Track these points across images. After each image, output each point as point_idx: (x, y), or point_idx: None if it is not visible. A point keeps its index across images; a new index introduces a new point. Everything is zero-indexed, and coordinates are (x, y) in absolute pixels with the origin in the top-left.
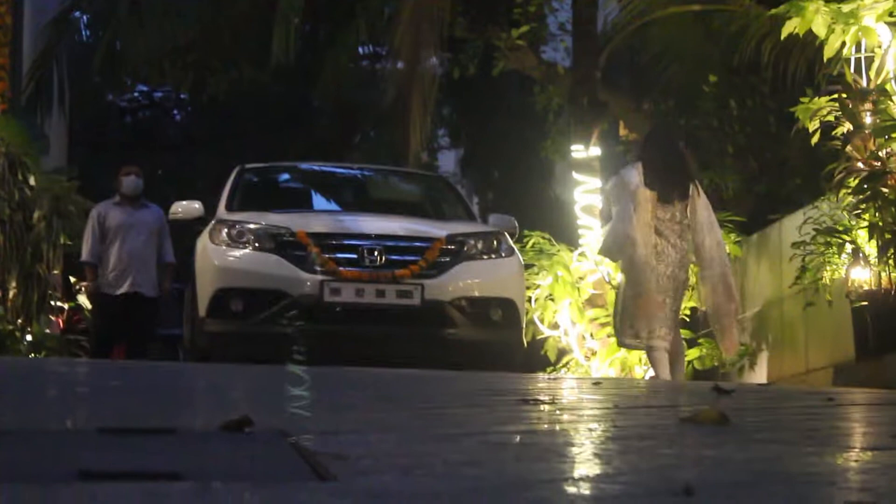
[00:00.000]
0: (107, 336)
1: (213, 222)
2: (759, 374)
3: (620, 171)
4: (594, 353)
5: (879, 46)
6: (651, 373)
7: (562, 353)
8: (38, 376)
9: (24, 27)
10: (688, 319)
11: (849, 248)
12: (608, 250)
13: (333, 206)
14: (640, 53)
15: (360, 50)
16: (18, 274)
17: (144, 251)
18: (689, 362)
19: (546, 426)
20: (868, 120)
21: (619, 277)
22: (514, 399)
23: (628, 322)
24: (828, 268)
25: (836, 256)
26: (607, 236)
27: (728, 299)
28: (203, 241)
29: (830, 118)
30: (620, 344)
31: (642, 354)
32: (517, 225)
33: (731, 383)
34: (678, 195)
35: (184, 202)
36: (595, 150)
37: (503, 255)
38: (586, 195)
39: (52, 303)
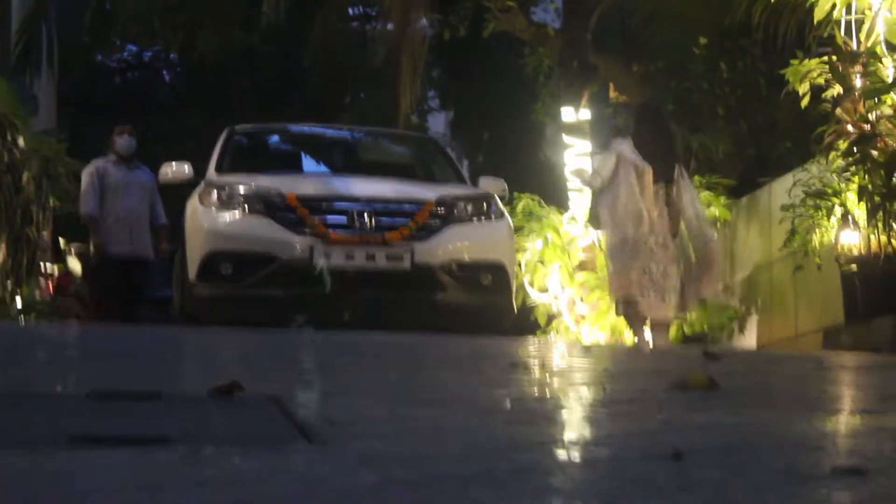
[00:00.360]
0: (105, 296)
1: (202, 184)
2: (749, 339)
3: (613, 143)
4: (584, 318)
5: (870, 8)
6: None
7: (551, 317)
8: (27, 340)
9: None
10: None
11: (838, 211)
12: (606, 222)
13: (323, 168)
14: (630, 15)
15: (350, 11)
16: (8, 237)
17: (141, 211)
18: (679, 327)
19: (536, 391)
20: (858, 82)
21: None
22: (504, 363)
23: (622, 294)
24: (817, 231)
25: (826, 219)
26: (608, 209)
27: (708, 269)
28: (193, 204)
29: (820, 81)
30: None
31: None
32: (507, 187)
33: (721, 348)
34: (667, 175)
35: (174, 164)
36: (585, 113)
37: (493, 218)
38: (576, 158)
39: (42, 265)
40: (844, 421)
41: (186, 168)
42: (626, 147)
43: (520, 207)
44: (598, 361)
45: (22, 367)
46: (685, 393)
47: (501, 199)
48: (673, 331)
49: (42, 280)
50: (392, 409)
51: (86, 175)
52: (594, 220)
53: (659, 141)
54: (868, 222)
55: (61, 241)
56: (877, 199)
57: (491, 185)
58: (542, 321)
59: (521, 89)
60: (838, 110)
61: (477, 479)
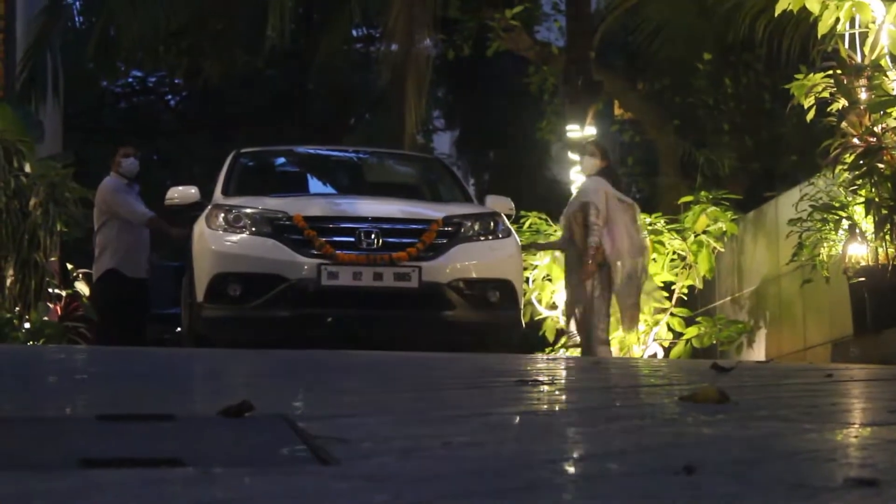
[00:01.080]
0: (121, 318)
1: (209, 207)
2: (758, 352)
3: (594, 182)
4: None
5: (873, 22)
6: (650, 351)
7: (560, 333)
8: (36, 364)
9: (17, 15)
10: (685, 298)
11: (845, 224)
12: (626, 255)
13: (330, 190)
14: (634, 33)
15: (354, 32)
16: (15, 262)
17: (147, 233)
18: (688, 341)
19: (545, 406)
20: (863, 95)
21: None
22: (513, 380)
23: (603, 325)
24: (825, 244)
25: (833, 233)
26: (623, 243)
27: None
28: (200, 226)
29: (825, 95)
30: (593, 351)
31: (641, 334)
32: (513, 206)
33: (730, 361)
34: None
35: (180, 187)
36: (590, 130)
37: (500, 236)
38: (582, 175)
39: (50, 290)
40: (855, 433)
41: (193, 191)
42: (606, 183)
43: (527, 225)
44: (607, 376)
45: (31, 391)
46: (696, 406)
47: (508, 217)
48: (681, 345)
49: (50, 304)
50: (402, 427)
51: (110, 190)
52: (623, 255)
53: (618, 175)
54: (875, 235)
55: (69, 265)
56: (884, 211)
57: (498, 203)
58: (550, 337)
59: (525, 108)
60: (844, 124)
61: (488, 497)
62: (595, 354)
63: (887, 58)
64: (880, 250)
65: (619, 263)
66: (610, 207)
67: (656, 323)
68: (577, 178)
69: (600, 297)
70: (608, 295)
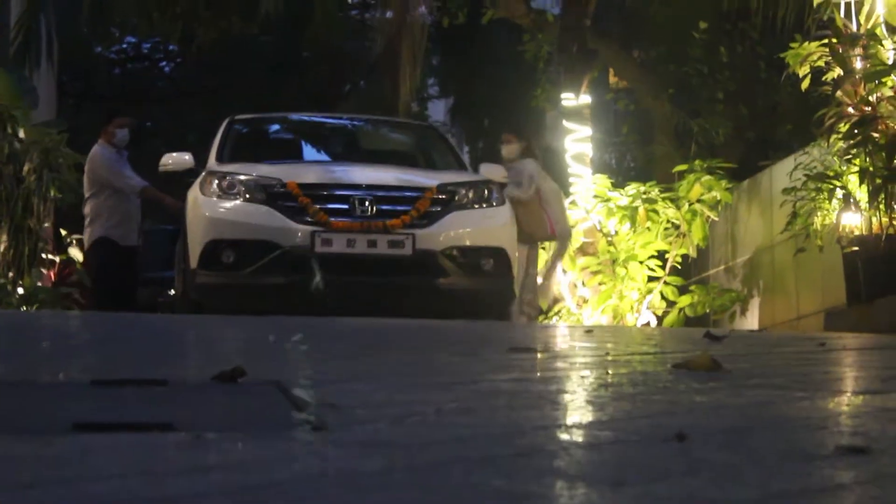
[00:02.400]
0: (114, 284)
1: (203, 174)
2: (751, 321)
3: (530, 164)
4: (586, 301)
5: None
6: (643, 320)
7: (553, 300)
8: (30, 329)
9: None
10: (679, 266)
11: (839, 193)
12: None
13: (324, 157)
14: (629, 1)
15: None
16: (9, 227)
17: (137, 201)
18: (681, 309)
19: (538, 374)
20: (858, 65)
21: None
22: (505, 347)
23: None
24: (818, 213)
25: (827, 202)
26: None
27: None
28: (194, 193)
29: (820, 64)
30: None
31: (634, 303)
32: (507, 173)
33: (723, 330)
34: None
35: (174, 154)
36: (585, 98)
37: (494, 204)
38: (577, 143)
39: (44, 256)
40: (847, 401)
41: (187, 157)
42: (535, 165)
43: None
44: (600, 344)
45: (25, 356)
46: (688, 374)
47: (502, 185)
48: (674, 314)
49: (44, 270)
50: (394, 393)
51: (105, 161)
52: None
53: None
54: (869, 204)
55: (62, 231)
56: (878, 181)
57: (492, 171)
58: (544, 305)
59: (520, 75)
60: (839, 93)
61: (480, 463)
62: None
63: (882, 26)
64: (874, 220)
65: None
66: (543, 189)
67: (650, 291)
68: (571, 147)
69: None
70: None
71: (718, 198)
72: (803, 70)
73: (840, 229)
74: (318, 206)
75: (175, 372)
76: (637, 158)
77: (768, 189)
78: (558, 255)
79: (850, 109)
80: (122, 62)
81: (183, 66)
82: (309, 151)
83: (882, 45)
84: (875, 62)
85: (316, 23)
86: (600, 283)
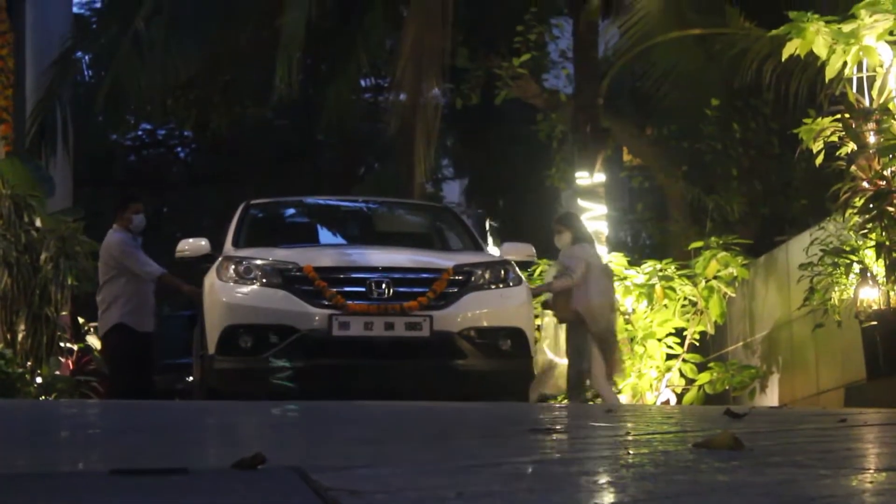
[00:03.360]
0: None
1: (220, 259)
2: (771, 397)
3: (582, 249)
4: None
5: (881, 65)
6: (662, 398)
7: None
8: (49, 418)
9: (27, 69)
10: (697, 343)
11: (856, 268)
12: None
13: (340, 240)
14: (641, 78)
15: (362, 82)
16: (27, 316)
17: (151, 285)
18: (700, 387)
19: (559, 455)
20: (872, 139)
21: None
22: (526, 429)
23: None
24: (836, 288)
25: (844, 277)
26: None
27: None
28: (211, 278)
29: (834, 139)
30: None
31: (653, 381)
32: (534, 251)
33: (743, 407)
34: None
35: (190, 240)
36: (600, 177)
37: (511, 284)
38: (592, 221)
39: (62, 344)
40: (871, 478)
41: (203, 243)
42: (587, 249)
43: (537, 273)
44: (620, 424)
45: (44, 446)
46: (710, 453)
47: (529, 264)
48: (694, 391)
49: (62, 359)
50: (415, 478)
51: (123, 246)
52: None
53: None
54: (887, 278)
55: (80, 319)
56: (894, 255)
57: (518, 250)
58: (563, 385)
59: (534, 155)
60: (853, 167)
61: None
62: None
63: (895, 101)
64: (892, 294)
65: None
66: (589, 272)
67: (668, 369)
68: (586, 224)
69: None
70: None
71: (735, 274)
72: (817, 145)
73: (858, 304)
74: (334, 290)
75: (195, 460)
76: (653, 236)
77: (785, 264)
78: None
79: (865, 184)
80: (137, 149)
81: (198, 152)
82: (325, 235)
83: (895, 120)
84: (888, 136)
85: (329, 106)
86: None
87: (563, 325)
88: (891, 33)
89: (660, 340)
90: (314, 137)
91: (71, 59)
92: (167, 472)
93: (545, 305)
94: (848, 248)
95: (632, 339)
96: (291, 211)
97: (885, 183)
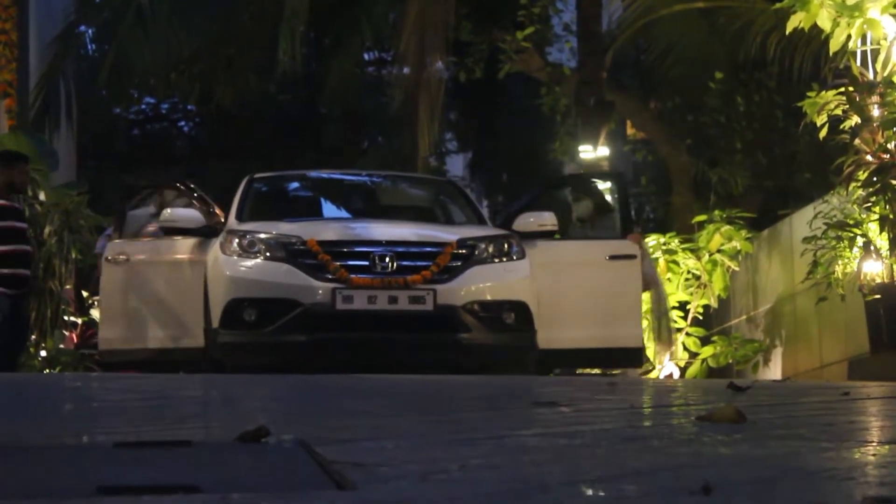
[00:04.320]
0: None
1: (223, 233)
2: (774, 371)
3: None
4: None
5: (885, 38)
6: (665, 372)
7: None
8: (53, 392)
9: (30, 43)
10: (700, 317)
11: (860, 241)
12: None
13: (343, 214)
14: (645, 52)
15: (366, 56)
16: (31, 290)
17: None
18: (704, 360)
19: (562, 428)
20: (876, 112)
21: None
22: (530, 402)
23: None
24: (840, 262)
25: (848, 250)
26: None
27: None
28: (214, 252)
29: (838, 112)
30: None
31: (656, 355)
32: (555, 220)
33: (746, 380)
34: None
35: (180, 209)
36: (603, 150)
37: (514, 257)
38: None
39: (66, 318)
40: (874, 451)
41: (194, 215)
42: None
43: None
44: (623, 397)
45: (48, 419)
46: (713, 426)
47: (552, 232)
48: (697, 365)
49: (66, 332)
50: (418, 450)
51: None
52: None
53: None
54: (890, 252)
55: (84, 293)
56: None
57: (537, 220)
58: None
59: (538, 129)
60: (857, 141)
61: None
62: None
63: None
64: (895, 267)
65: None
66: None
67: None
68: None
69: None
70: None
71: (739, 248)
72: (821, 119)
73: (861, 277)
74: (338, 263)
75: (199, 432)
76: (656, 209)
77: (788, 238)
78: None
79: (869, 157)
80: (141, 122)
81: (201, 126)
82: (328, 208)
83: None
84: (892, 109)
85: (332, 80)
86: None
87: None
88: (895, 6)
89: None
90: (318, 111)
91: (74, 34)
92: (171, 445)
93: None
94: (851, 222)
95: None
96: (295, 185)
97: (888, 156)
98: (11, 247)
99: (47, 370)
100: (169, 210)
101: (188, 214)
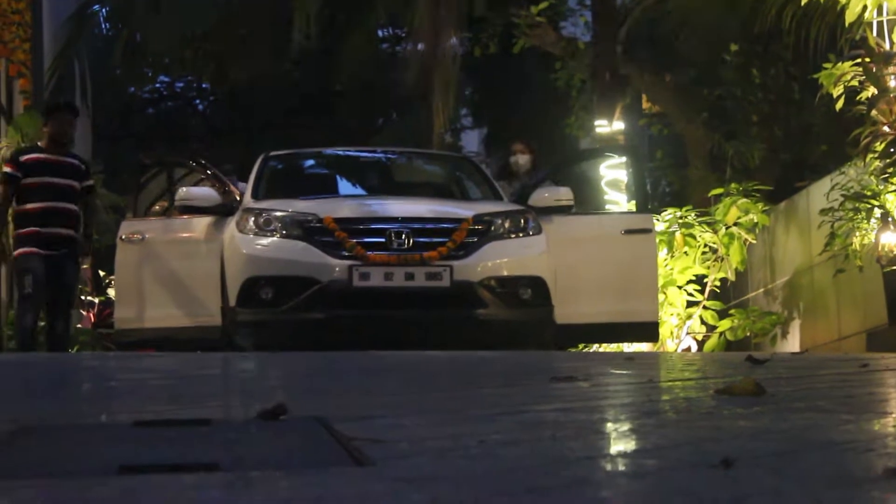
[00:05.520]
0: None
1: (239, 211)
2: (792, 343)
3: None
4: None
5: None
6: (683, 345)
7: None
8: (71, 371)
9: (44, 23)
10: (718, 290)
11: (877, 212)
12: None
13: (359, 191)
14: (660, 25)
15: (380, 33)
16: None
17: None
18: (721, 333)
19: (581, 403)
20: (893, 83)
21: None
22: (548, 377)
23: None
24: (857, 233)
25: (865, 222)
26: None
27: None
28: (231, 230)
29: (854, 83)
30: None
31: (674, 328)
32: (572, 195)
33: (765, 353)
34: None
35: (195, 188)
36: (619, 125)
37: (531, 233)
38: (611, 170)
39: (83, 297)
40: (893, 422)
41: (210, 193)
42: None
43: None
44: (642, 371)
45: (67, 398)
46: (732, 400)
47: (569, 207)
48: (715, 338)
49: (83, 312)
50: (438, 426)
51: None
52: None
53: None
54: None
55: (101, 272)
56: None
57: (553, 195)
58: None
59: (553, 104)
60: (874, 112)
61: (526, 496)
62: None
63: None
64: None
65: None
66: None
67: (689, 316)
68: (606, 173)
69: None
70: None
71: (755, 220)
72: (837, 90)
73: (879, 249)
74: (354, 241)
75: (217, 411)
76: (672, 183)
77: (805, 210)
78: None
79: (886, 128)
80: (155, 102)
81: (216, 104)
82: (344, 186)
83: None
84: None
85: (347, 57)
86: None
87: None
88: None
89: (680, 288)
90: (333, 89)
91: (88, 13)
92: (190, 423)
93: None
94: (869, 193)
95: None
96: (310, 162)
97: None
98: (43, 204)
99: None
100: (184, 189)
101: (204, 193)
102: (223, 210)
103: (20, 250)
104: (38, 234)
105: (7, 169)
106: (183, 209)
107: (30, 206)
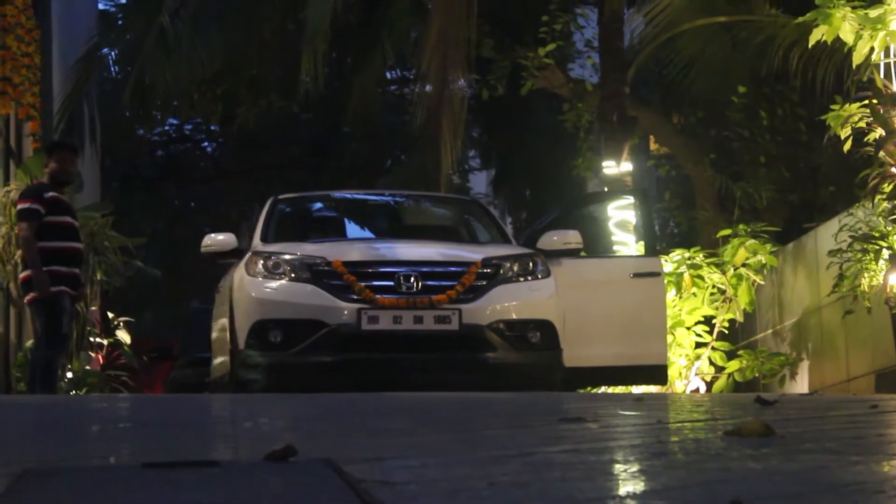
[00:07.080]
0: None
1: (248, 254)
2: (801, 384)
3: None
4: None
5: None
6: (692, 386)
7: None
8: (80, 413)
9: (53, 65)
10: (726, 331)
11: (886, 253)
12: None
13: (368, 234)
14: (667, 67)
15: (388, 74)
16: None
17: None
18: (730, 374)
19: (590, 444)
20: None
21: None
22: (557, 418)
23: None
24: (865, 274)
25: (874, 263)
26: None
27: None
28: (240, 273)
29: (862, 124)
30: None
31: (682, 369)
32: (580, 238)
33: (774, 394)
34: None
35: (216, 234)
36: (627, 166)
37: (539, 276)
38: (620, 211)
39: (92, 339)
40: None
41: (230, 238)
42: None
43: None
44: (650, 412)
45: (76, 440)
46: (741, 441)
47: (577, 250)
48: (724, 379)
49: (92, 353)
50: (447, 468)
51: None
52: None
53: None
54: None
55: (109, 314)
56: None
57: (562, 238)
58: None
59: (561, 145)
60: (881, 153)
61: None
62: None
63: None
64: None
65: None
66: None
67: (698, 357)
68: (614, 213)
69: None
70: None
71: (764, 261)
72: (845, 131)
73: (888, 290)
74: (363, 284)
75: (226, 453)
76: (680, 224)
77: (814, 251)
78: None
79: (894, 169)
80: (164, 144)
81: (224, 146)
82: (352, 229)
83: None
84: None
85: (355, 99)
86: None
87: None
88: None
89: (689, 328)
90: (340, 130)
91: (97, 56)
92: (199, 465)
93: None
94: (877, 234)
95: None
96: (319, 205)
97: None
98: (71, 244)
99: (74, 391)
100: (209, 236)
101: (224, 239)
102: (239, 255)
103: (57, 289)
104: (74, 275)
105: (33, 205)
106: (207, 255)
107: (62, 244)
